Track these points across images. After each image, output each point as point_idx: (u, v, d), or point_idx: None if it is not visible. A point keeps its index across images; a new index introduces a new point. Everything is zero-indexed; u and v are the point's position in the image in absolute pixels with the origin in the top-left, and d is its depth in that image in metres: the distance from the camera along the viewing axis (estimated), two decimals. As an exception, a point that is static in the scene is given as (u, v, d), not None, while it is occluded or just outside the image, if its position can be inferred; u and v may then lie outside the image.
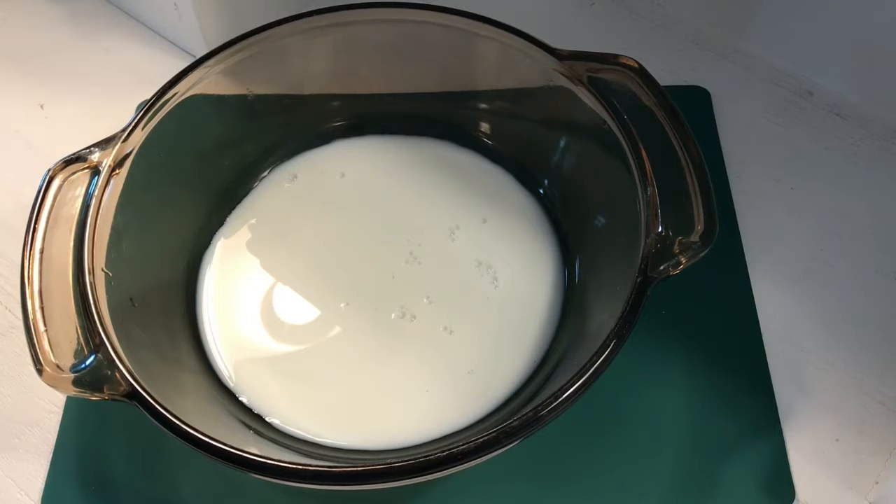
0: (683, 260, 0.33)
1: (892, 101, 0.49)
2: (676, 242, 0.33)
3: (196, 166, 0.43)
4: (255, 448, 0.32)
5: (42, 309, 0.33)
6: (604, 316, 0.34)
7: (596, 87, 0.38)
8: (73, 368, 0.32)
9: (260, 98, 0.44)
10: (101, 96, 0.53)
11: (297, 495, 0.38)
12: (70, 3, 0.58)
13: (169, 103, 0.39)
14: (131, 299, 0.37)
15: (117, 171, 0.37)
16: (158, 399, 0.31)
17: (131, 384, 0.31)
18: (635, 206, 0.35)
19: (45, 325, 0.32)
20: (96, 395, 0.31)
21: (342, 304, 0.41)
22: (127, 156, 0.37)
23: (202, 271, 0.42)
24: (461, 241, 0.43)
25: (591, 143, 0.40)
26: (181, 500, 0.38)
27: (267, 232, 0.44)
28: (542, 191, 0.44)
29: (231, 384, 0.39)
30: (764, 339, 0.42)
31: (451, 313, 0.40)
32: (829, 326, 0.43)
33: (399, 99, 0.47)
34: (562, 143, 0.44)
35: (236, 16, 0.52)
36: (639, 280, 0.32)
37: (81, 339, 0.32)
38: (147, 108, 0.38)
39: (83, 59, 0.55)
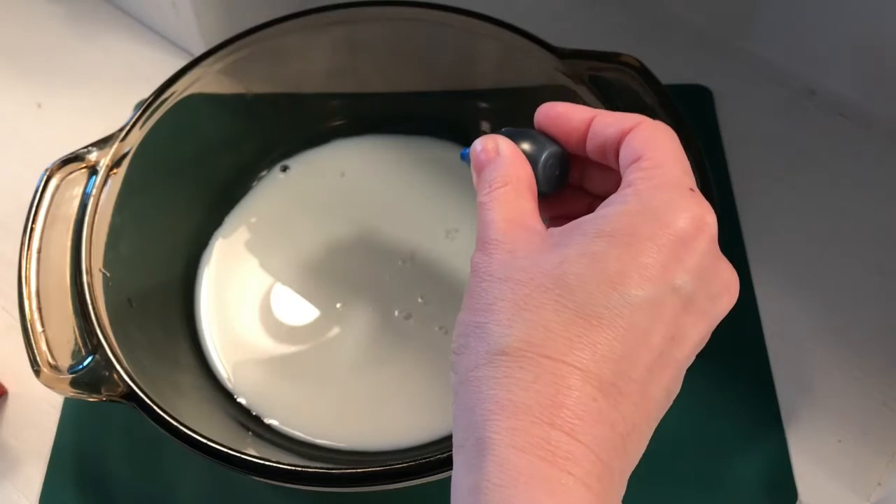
0: (685, 260, 0.33)
1: (894, 102, 0.49)
2: (678, 242, 0.33)
3: (194, 166, 0.43)
4: (253, 449, 0.32)
5: (40, 309, 0.33)
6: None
7: (597, 85, 0.38)
8: (71, 369, 0.31)
9: (259, 97, 0.44)
10: (99, 95, 0.53)
11: (295, 496, 0.38)
12: (69, 2, 0.58)
13: (167, 102, 0.39)
14: (129, 300, 0.36)
15: (115, 171, 0.37)
16: (156, 400, 0.31)
17: (129, 385, 0.31)
18: (636, 205, 0.35)
19: (42, 325, 0.32)
20: (94, 396, 0.31)
21: (339, 305, 0.41)
22: (125, 155, 0.37)
23: (200, 271, 0.42)
24: (459, 242, 0.43)
25: (592, 142, 0.40)
26: (179, 501, 0.38)
27: (265, 231, 0.44)
28: (542, 190, 0.44)
29: (229, 385, 0.39)
30: (766, 339, 0.42)
31: (447, 313, 0.40)
32: (831, 327, 0.42)
33: (399, 98, 0.46)
34: (562, 143, 0.43)
35: (235, 14, 0.51)
36: (640, 280, 0.32)
37: (79, 339, 0.32)
38: (145, 107, 0.38)
39: (81, 58, 0.55)
